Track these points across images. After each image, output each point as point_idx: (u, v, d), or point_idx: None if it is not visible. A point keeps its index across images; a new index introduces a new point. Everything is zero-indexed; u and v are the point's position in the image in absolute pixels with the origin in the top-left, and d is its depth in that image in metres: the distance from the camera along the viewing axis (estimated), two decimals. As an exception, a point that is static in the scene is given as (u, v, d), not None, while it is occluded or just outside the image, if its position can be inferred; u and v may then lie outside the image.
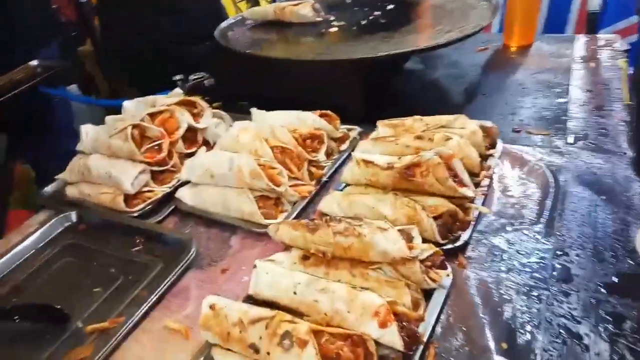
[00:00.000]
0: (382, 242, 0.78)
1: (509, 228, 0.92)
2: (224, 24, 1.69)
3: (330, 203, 0.97)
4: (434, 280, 0.78)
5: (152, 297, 0.87)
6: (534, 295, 0.78)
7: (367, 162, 0.99)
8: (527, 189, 1.02)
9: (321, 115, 1.19)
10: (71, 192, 1.20)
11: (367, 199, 0.93)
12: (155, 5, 1.92)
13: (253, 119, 1.26)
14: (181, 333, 0.83)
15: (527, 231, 0.91)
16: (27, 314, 0.88)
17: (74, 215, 1.14)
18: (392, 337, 0.66)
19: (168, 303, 0.89)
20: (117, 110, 1.36)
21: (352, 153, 1.05)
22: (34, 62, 1.96)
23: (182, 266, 0.93)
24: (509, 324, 0.74)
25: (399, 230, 0.79)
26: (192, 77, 1.51)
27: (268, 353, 0.67)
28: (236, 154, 1.07)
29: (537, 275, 0.82)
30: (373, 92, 1.37)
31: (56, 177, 1.25)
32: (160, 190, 1.13)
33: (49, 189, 1.25)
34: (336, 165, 1.15)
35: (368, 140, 1.10)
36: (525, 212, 0.96)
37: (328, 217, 0.89)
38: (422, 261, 0.77)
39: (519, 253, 0.87)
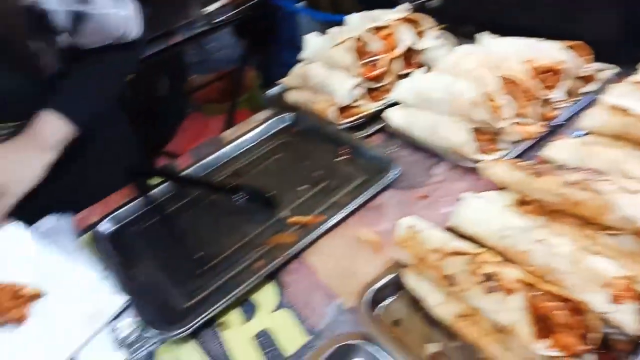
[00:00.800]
0: (626, 206, 0.63)
1: None
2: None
3: (560, 150, 0.82)
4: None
5: (352, 203, 0.89)
6: None
7: (620, 109, 0.80)
8: None
9: (569, 47, 0.99)
10: (290, 96, 1.29)
11: (615, 152, 0.76)
12: None
13: (480, 44, 1.13)
14: (372, 245, 0.84)
15: None
16: (245, 194, 0.99)
17: (290, 118, 1.23)
18: (627, 316, 0.54)
19: (364, 215, 0.90)
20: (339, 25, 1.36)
21: (600, 96, 0.86)
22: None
23: (383, 182, 0.92)
24: None
25: (657, 196, 0.63)
26: (418, -5, 1.42)
27: (464, 290, 0.63)
28: (458, 79, 0.98)
29: None
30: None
31: (278, 81, 1.35)
32: (371, 107, 1.13)
33: (273, 91, 1.36)
34: (576, 109, 0.97)
35: (626, 83, 0.88)
36: None
37: (559, 165, 0.76)
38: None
39: None
